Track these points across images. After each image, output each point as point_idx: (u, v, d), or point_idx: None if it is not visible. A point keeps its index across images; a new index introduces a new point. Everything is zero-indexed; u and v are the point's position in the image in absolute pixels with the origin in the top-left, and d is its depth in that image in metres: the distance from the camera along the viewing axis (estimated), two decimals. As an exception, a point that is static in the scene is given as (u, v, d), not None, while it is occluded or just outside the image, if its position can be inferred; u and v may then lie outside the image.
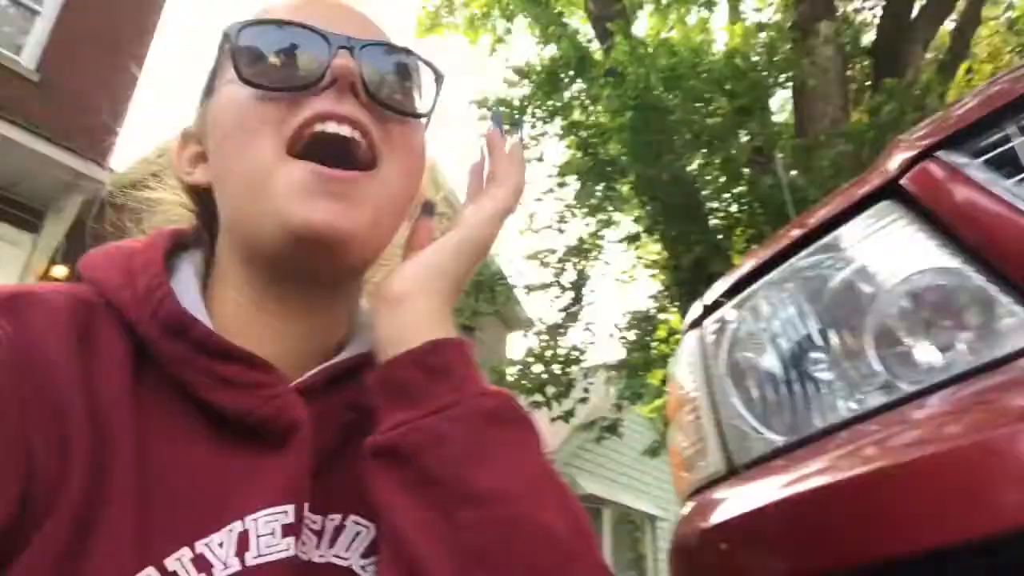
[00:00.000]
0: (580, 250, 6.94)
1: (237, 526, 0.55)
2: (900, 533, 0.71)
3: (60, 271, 9.19)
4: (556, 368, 6.17)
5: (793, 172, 5.60)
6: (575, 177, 6.79)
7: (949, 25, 8.29)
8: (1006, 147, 0.89)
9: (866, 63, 7.87)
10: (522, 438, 0.57)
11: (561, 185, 7.04)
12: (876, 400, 0.89)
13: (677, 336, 6.96)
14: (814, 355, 1.00)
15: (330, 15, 0.66)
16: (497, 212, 0.70)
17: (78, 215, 8.20)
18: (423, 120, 0.71)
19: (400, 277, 0.64)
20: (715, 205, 6.66)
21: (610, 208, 6.62)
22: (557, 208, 6.92)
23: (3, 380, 0.51)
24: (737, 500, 0.94)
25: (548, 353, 6.54)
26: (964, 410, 0.79)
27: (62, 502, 0.51)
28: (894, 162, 1.01)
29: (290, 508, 0.56)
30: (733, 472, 1.00)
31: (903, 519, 0.71)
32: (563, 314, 6.82)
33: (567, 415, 6.13)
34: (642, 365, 6.69)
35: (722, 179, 6.66)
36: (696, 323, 1.20)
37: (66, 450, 0.52)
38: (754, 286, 1.12)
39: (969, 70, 9.62)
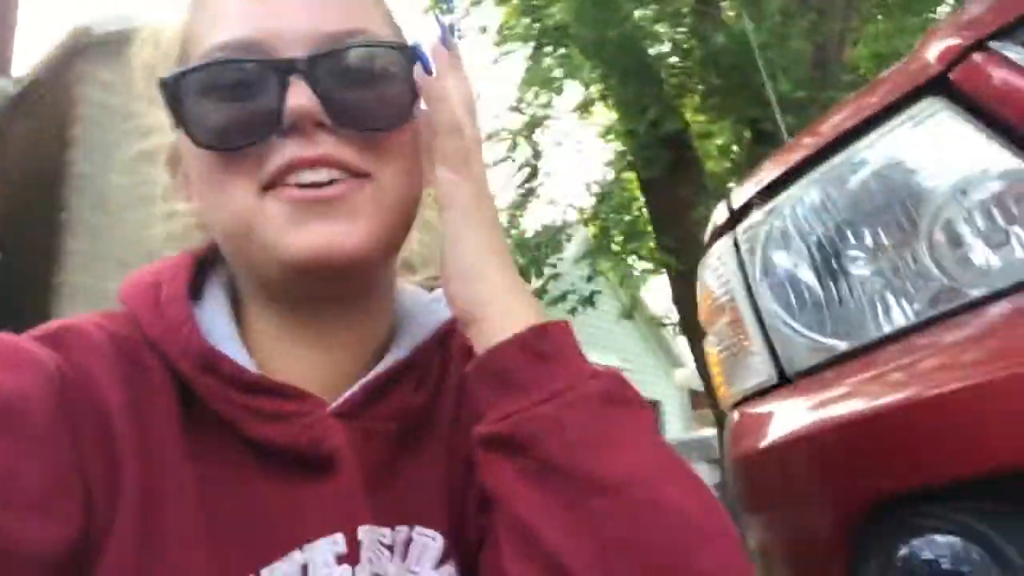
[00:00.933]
0: (532, 124, 6.76)
1: (297, 556, 0.56)
2: (967, 454, 0.73)
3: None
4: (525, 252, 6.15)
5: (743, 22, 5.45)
6: (519, 47, 6.51)
7: None
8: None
9: None
10: (639, 418, 0.56)
11: (505, 55, 6.74)
12: (932, 306, 0.90)
13: (637, 200, 7.00)
14: (863, 259, 1.00)
15: (283, 8, 0.58)
16: (465, 157, 0.62)
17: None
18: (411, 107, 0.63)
19: (466, 297, 0.60)
20: (666, 63, 6.48)
21: (560, 76, 6.39)
22: (503, 84, 6.64)
23: (49, 404, 0.51)
24: (793, 415, 0.95)
25: (514, 232, 6.53)
26: (1001, 333, 0.79)
27: (115, 539, 0.51)
28: (936, 53, 0.97)
29: (339, 537, 0.57)
30: (784, 380, 1.01)
31: (970, 440, 0.73)
32: (521, 191, 6.75)
33: (541, 292, 6.21)
34: (604, 234, 6.76)
35: (670, 35, 6.46)
36: (725, 227, 1.18)
37: (117, 487, 0.53)
38: (791, 188, 1.09)
39: None
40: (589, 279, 6.52)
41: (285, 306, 0.62)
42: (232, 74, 0.56)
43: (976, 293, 0.86)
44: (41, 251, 8.45)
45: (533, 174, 6.81)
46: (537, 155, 6.84)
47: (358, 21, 0.60)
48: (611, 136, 6.79)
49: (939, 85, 0.94)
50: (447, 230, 0.60)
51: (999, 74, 0.88)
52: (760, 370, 1.05)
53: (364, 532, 0.58)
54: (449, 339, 0.73)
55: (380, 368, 0.64)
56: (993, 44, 0.89)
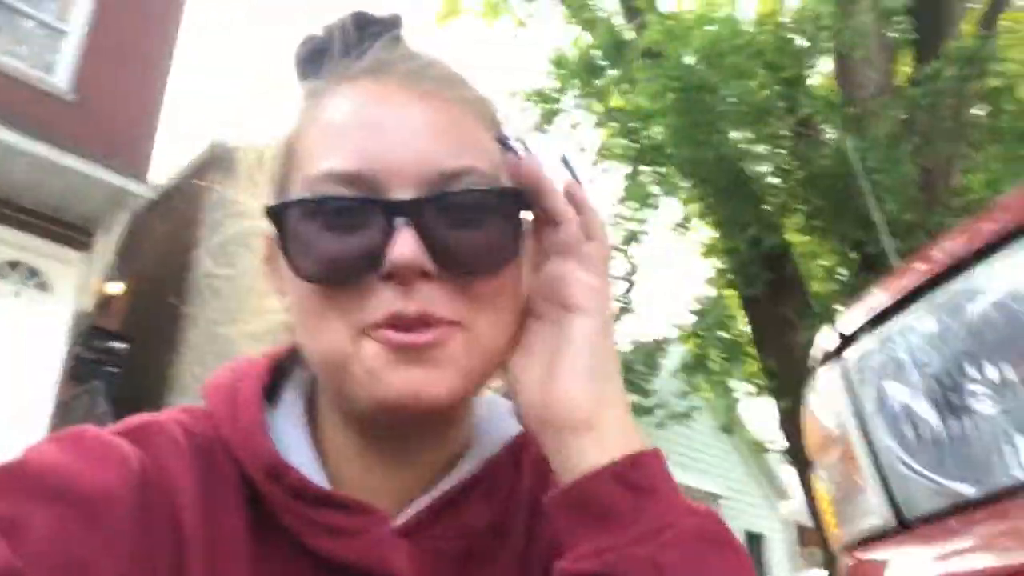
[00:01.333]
0: (629, 239, 6.83)
1: None
2: None
3: (114, 287, 9.42)
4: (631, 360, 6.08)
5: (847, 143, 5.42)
6: (617, 164, 6.68)
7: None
8: None
9: (903, 23, 7.57)
10: (737, 562, 0.52)
11: (604, 172, 6.94)
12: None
13: (736, 319, 6.84)
14: (987, 395, 0.92)
15: (397, 134, 0.57)
16: (605, 265, 0.60)
17: (126, 230, 8.36)
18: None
19: (578, 399, 0.56)
20: (767, 182, 6.48)
21: (658, 193, 6.48)
22: (601, 203, 6.79)
23: (130, 502, 0.52)
24: (914, 566, 0.87)
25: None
26: None
27: None
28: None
29: None
30: (904, 525, 0.93)
31: None
32: (617, 305, 6.76)
33: (638, 409, 6.08)
34: (702, 351, 6.60)
35: (770, 154, 6.48)
36: (834, 354, 1.12)
37: None
38: (906, 315, 1.04)
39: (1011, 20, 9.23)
40: (685, 395, 6.33)
41: (360, 433, 0.62)
42: (338, 209, 0.56)
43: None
44: (165, 343, 9.03)
45: (629, 288, 6.81)
46: (633, 270, 6.86)
47: (472, 157, 0.58)
48: (711, 253, 6.75)
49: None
50: (574, 331, 0.57)
51: None
52: (875, 512, 0.97)
53: None
54: (521, 452, 0.70)
55: (448, 484, 0.63)
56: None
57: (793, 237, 6.53)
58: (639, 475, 0.53)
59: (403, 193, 0.55)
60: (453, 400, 0.56)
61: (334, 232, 0.55)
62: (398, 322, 0.54)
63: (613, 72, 7.23)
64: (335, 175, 0.56)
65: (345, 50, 0.62)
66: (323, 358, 0.58)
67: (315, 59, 0.64)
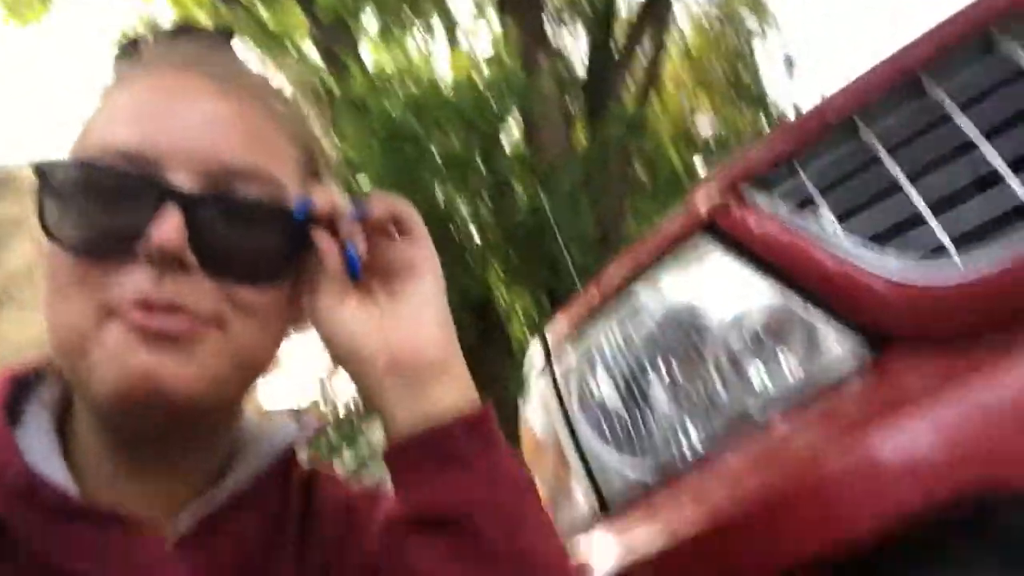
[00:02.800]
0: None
1: None
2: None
3: None
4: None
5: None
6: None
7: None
8: (795, 180, 1.03)
9: (578, 93, 8.66)
10: (537, 499, 0.60)
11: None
12: (721, 428, 0.99)
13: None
14: (659, 389, 1.08)
15: (189, 122, 0.56)
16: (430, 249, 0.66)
17: None
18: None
19: (431, 344, 0.61)
20: (470, 235, 6.92)
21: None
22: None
23: None
24: (611, 549, 0.98)
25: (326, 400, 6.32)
26: (774, 450, 0.90)
27: None
28: (701, 200, 1.13)
29: None
30: (605, 511, 1.04)
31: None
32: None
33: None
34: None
35: (469, 208, 6.94)
36: (544, 366, 1.23)
37: None
38: (591, 324, 1.18)
39: (660, 98, 11.07)
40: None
41: (114, 436, 0.57)
42: (108, 181, 0.53)
43: (758, 416, 0.96)
44: None
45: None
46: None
47: (260, 159, 0.57)
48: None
49: (705, 226, 1.09)
50: (426, 289, 0.62)
51: (746, 215, 1.04)
52: (581, 502, 1.08)
53: None
54: (291, 467, 0.69)
55: (220, 495, 0.60)
56: (742, 190, 1.06)
57: (495, 287, 7.01)
58: (486, 425, 0.59)
59: (181, 180, 0.53)
60: (195, 397, 0.54)
61: (99, 203, 0.53)
62: (146, 307, 0.52)
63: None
64: (114, 149, 0.53)
65: (161, 45, 0.61)
66: (64, 338, 0.54)
67: (130, 51, 0.62)
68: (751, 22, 12.68)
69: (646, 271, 1.17)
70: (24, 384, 0.60)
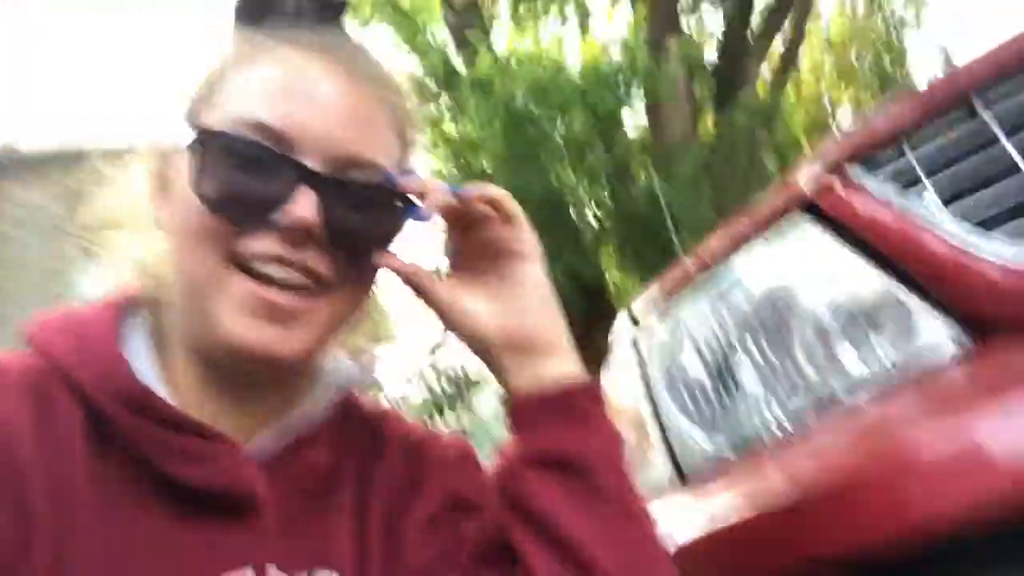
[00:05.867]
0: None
1: None
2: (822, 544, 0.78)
3: None
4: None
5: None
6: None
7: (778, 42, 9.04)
8: (902, 162, 0.98)
9: (706, 78, 8.41)
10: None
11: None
12: (808, 408, 0.97)
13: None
14: (743, 365, 1.07)
15: (322, 110, 0.62)
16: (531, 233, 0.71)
17: None
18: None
19: (539, 327, 0.67)
20: (585, 217, 6.90)
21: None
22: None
23: None
24: (688, 519, 0.98)
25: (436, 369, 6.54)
26: (863, 429, 0.87)
27: (26, 565, 0.51)
28: (803, 178, 1.10)
29: (248, 571, 0.59)
30: (683, 480, 1.05)
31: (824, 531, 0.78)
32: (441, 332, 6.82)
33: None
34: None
35: (586, 188, 6.91)
36: (626, 334, 1.24)
37: (28, 520, 0.52)
38: (681, 298, 1.18)
39: (796, 84, 10.57)
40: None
41: (210, 368, 0.64)
42: (251, 153, 0.60)
43: (847, 398, 0.93)
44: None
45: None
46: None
47: (373, 148, 0.64)
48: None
49: (804, 205, 1.06)
50: (532, 272, 0.69)
51: (849, 195, 1.01)
52: (660, 471, 1.08)
53: (272, 571, 0.60)
54: (351, 406, 0.75)
55: (294, 424, 0.68)
56: (846, 169, 1.02)
57: (608, 270, 6.97)
58: (600, 393, 0.67)
59: (313, 162, 0.60)
60: (301, 359, 0.62)
61: (246, 173, 0.59)
62: (279, 262, 0.59)
63: (444, 99, 7.41)
64: (260, 125, 0.60)
65: (297, 13, 0.67)
66: (189, 284, 0.61)
67: (259, 10, 0.67)
68: (901, 11, 11.85)
69: (743, 247, 1.15)
70: (122, 311, 0.67)
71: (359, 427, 0.75)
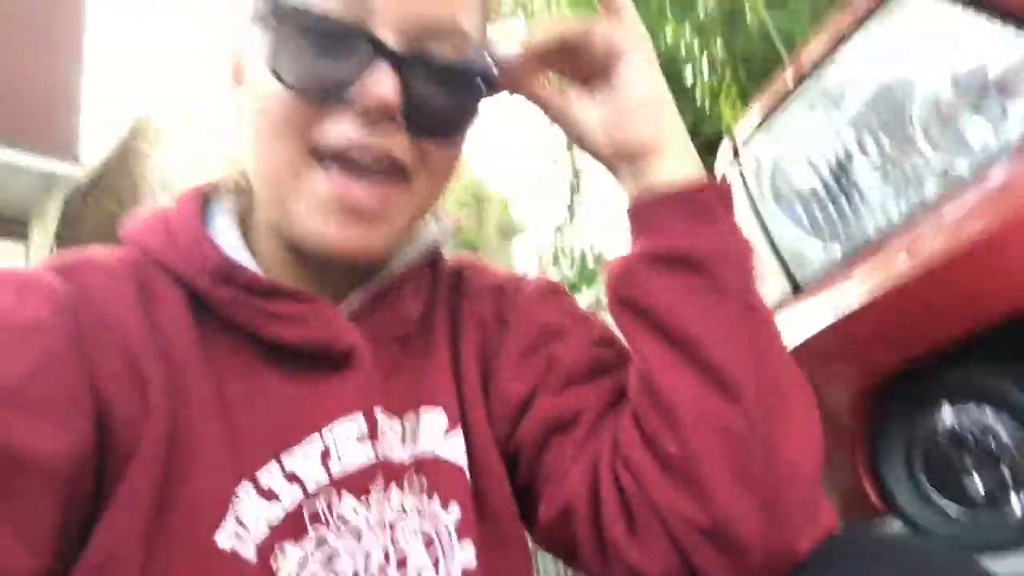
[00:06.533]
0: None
1: (316, 439, 0.58)
2: (974, 310, 0.72)
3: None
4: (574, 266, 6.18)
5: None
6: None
7: None
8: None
9: None
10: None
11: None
12: (931, 191, 0.89)
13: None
14: (858, 165, 0.99)
15: None
16: (635, 25, 0.65)
17: (62, 215, 8.14)
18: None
19: (645, 128, 0.62)
20: (697, 73, 6.50)
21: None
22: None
23: (58, 329, 0.53)
24: (810, 317, 0.95)
25: (562, 252, 6.57)
26: (997, 194, 0.78)
27: (147, 437, 0.53)
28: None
29: (359, 416, 0.60)
30: (797, 290, 1.01)
31: (977, 295, 0.73)
32: (566, 211, 6.81)
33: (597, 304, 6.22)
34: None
35: (696, 44, 6.48)
36: (731, 160, 1.19)
37: (143, 390, 0.55)
38: (785, 111, 1.10)
39: None
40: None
41: (297, 251, 0.64)
42: (325, 27, 0.57)
43: (967, 168, 0.85)
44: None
45: (577, 190, 6.86)
46: (577, 174, 6.90)
47: (460, 15, 0.60)
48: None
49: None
50: (630, 70, 0.62)
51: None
52: (774, 284, 1.05)
53: (380, 415, 0.61)
54: (437, 260, 0.77)
55: (381, 280, 0.68)
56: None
57: (730, 121, 6.58)
58: (727, 192, 0.60)
59: (387, 36, 0.57)
60: (382, 253, 0.61)
61: (321, 49, 0.57)
62: (356, 150, 0.57)
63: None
64: (321, 9, 0.56)
65: None
66: (271, 175, 0.60)
67: None
68: None
69: (849, 40, 1.05)
70: (207, 197, 0.69)
71: (446, 276, 0.76)
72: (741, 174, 1.14)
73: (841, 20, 1.08)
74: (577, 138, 0.66)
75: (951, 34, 0.92)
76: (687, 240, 0.58)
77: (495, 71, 0.63)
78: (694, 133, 5.79)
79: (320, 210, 0.58)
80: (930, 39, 0.93)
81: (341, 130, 0.57)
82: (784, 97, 1.12)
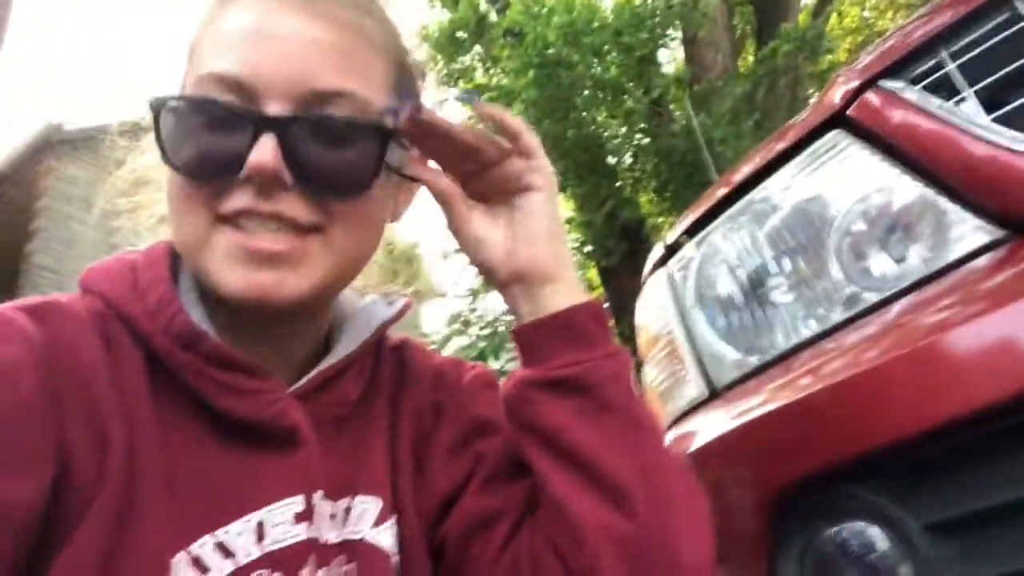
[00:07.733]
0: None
1: (254, 517, 0.60)
2: (867, 431, 0.79)
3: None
4: (485, 332, 6.24)
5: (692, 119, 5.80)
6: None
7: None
8: (940, 73, 0.96)
9: (747, 11, 8.13)
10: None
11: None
12: (841, 314, 0.97)
13: (595, 288, 7.15)
14: (775, 281, 1.07)
15: (283, 47, 0.60)
16: (546, 165, 0.71)
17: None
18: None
19: (544, 257, 0.68)
20: (620, 159, 6.81)
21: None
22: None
23: (33, 376, 0.53)
24: (719, 422, 1.00)
25: (474, 317, 6.61)
26: (893, 327, 0.87)
27: (101, 497, 0.53)
28: (837, 94, 1.08)
29: (299, 498, 0.62)
30: (715, 395, 1.06)
31: (869, 418, 0.79)
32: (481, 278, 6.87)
33: (502, 373, 6.24)
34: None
35: (623, 131, 6.81)
36: (660, 263, 1.25)
37: (105, 448, 0.55)
38: (714, 223, 1.17)
39: (839, 13, 10.14)
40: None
41: (236, 313, 0.65)
42: (212, 111, 0.59)
43: (874, 298, 0.93)
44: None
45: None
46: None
47: (348, 79, 0.61)
48: (569, 227, 7.01)
49: (839, 120, 1.05)
50: (539, 205, 0.69)
51: (885, 106, 0.99)
52: (692, 387, 1.10)
53: (318, 499, 0.63)
54: (382, 341, 0.78)
55: (330, 361, 0.70)
56: (880, 82, 1.00)
57: (647, 209, 6.89)
58: (602, 314, 0.68)
59: (276, 105, 0.59)
60: (302, 301, 0.62)
61: (206, 132, 0.59)
62: (250, 215, 0.59)
63: (477, 49, 7.32)
64: (219, 77, 0.59)
65: None
66: (183, 245, 0.63)
67: None
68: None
69: (775, 168, 1.14)
70: (174, 256, 0.70)
71: (388, 358, 0.78)
72: (670, 276, 1.20)
73: (773, 144, 1.18)
74: (472, 250, 0.70)
75: (865, 175, 1.02)
76: (573, 364, 0.65)
77: (398, 123, 0.65)
78: (612, 217, 6.04)
79: (227, 260, 0.60)
80: (846, 177, 1.03)
81: (240, 201, 0.59)
82: (715, 209, 1.20)
